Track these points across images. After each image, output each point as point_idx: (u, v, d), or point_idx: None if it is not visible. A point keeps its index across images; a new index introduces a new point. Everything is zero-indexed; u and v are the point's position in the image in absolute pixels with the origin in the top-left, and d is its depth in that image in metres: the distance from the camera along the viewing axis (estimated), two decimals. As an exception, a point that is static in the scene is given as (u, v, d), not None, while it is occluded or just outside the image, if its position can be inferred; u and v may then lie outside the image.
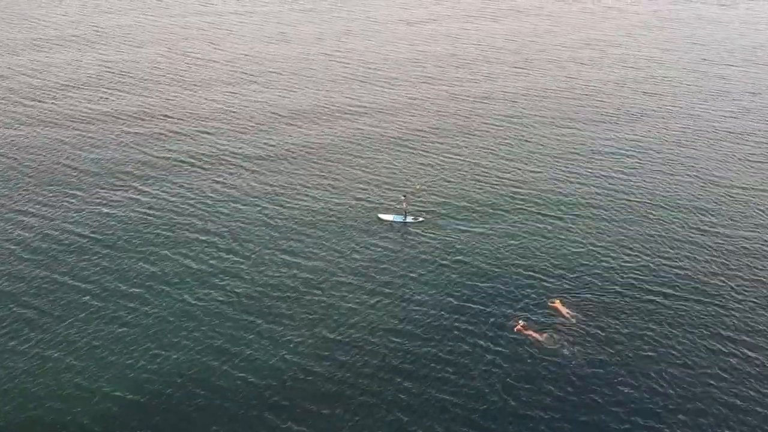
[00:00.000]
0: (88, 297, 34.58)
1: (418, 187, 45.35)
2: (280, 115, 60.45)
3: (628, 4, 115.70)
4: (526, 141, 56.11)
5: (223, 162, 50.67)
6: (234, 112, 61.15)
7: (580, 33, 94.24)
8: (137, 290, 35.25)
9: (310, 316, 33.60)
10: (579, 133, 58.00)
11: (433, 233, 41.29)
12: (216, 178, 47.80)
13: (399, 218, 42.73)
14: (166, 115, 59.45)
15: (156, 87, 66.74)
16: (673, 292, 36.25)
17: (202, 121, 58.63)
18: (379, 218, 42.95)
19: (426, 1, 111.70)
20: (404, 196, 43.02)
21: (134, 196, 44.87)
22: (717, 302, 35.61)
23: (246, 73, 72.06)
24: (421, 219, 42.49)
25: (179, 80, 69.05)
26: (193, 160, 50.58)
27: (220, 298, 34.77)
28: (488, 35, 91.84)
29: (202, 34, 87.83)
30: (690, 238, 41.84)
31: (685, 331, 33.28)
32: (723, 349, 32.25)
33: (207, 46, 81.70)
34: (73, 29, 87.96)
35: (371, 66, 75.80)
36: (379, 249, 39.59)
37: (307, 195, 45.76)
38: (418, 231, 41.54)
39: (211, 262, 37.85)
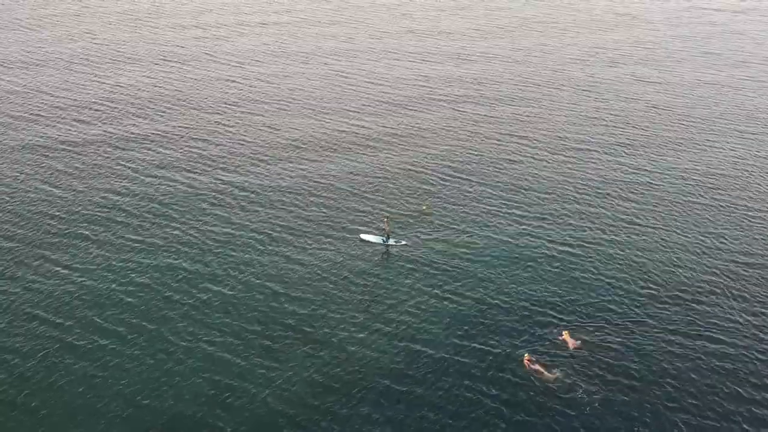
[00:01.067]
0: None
1: (425, 208, 43.14)
2: (274, 146, 58.67)
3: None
4: (526, 162, 53.61)
5: (205, 193, 48.95)
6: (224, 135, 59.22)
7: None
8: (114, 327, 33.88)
9: (296, 353, 32.54)
10: (584, 156, 55.10)
11: (420, 258, 40.23)
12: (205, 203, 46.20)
13: (381, 240, 41.78)
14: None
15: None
16: (690, 327, 34.69)
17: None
18: (361, 239, 42.00)
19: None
20: (386, 217, 41.97)
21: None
22: (740, 342, 33.75)
23: (231, 95, 69.82)
24: (404, 242, 41.52)
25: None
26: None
27: (202, 333, 33.56)
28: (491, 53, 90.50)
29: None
30: (709, 267, 40.01)
31: (703, 371, 31.85)
32: (744, 394, 30.80)
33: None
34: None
35: (380, 86, 74.00)
36: (365, 275, 38.60)
37: (290, 210, 44.55)
38: (404, 255, 40.57)
39: (194, 292, 36.57)
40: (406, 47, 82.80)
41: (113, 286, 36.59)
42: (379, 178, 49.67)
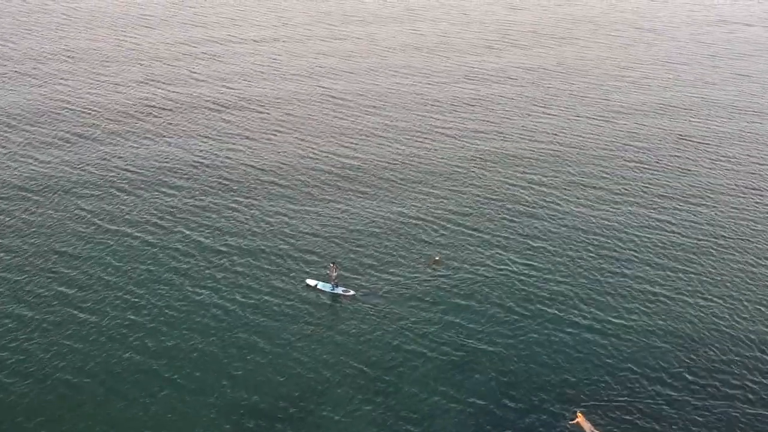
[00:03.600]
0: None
1: (437, 259, 37.44)
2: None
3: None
4: (529, 209, 48.47)
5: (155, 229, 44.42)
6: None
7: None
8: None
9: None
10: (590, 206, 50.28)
11: (372, 314, 34.99)
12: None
13: (327, 287, 36.68)
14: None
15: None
16: (716, 413, 29.43)
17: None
18: (307, 285, 37.01)
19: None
20: (333, 262, 36.83)
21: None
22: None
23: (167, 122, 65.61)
24: (352, 292, 36.27)
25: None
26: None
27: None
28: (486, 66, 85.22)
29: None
30: (741, 336, 34.28)
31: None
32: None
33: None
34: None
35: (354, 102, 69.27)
36: (308, 325, 33.59)
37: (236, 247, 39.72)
38: (354, 308, 35.38)
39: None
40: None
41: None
42: (331, 218, 44.58)
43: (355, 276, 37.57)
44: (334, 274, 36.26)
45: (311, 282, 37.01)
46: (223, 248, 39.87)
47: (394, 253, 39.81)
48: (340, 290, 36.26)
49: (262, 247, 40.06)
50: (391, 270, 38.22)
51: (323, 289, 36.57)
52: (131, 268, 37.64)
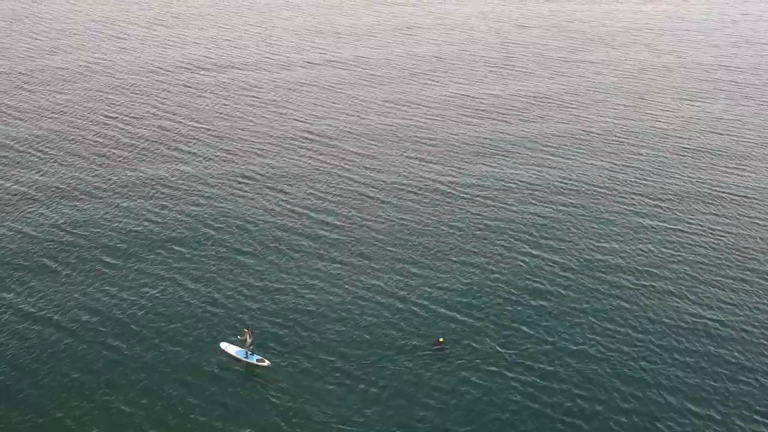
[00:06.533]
0: None
1: (441, 341, 33.23)
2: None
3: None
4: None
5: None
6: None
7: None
8: None
9: None
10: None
11: (289, 387, 31.07)
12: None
13: (241, 354, 32.78)
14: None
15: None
16: None
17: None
18: (222, 350, 33.11)
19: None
20: (247, 327, 32.82)
21: None
22: None
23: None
24: (266, 363, 32.29)
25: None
26: None
27: None
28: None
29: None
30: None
31: None
32: None
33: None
34: None
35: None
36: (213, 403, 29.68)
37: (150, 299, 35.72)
38: (269, 379, 31.50)
39: None
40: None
41: None
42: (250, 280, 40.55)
43: (272, 343, 33.58)
44: (249, 340, 32.33)
45: (225, 347, 33.12)
46: (144, 301, 35.94)
47: (317, 319, 35.61)
48: (254, 359, 32.35)
49: (174, 309, 36.04)
50: (314, 339, 34.14)
51: (237, 356, 32.67)
52: None
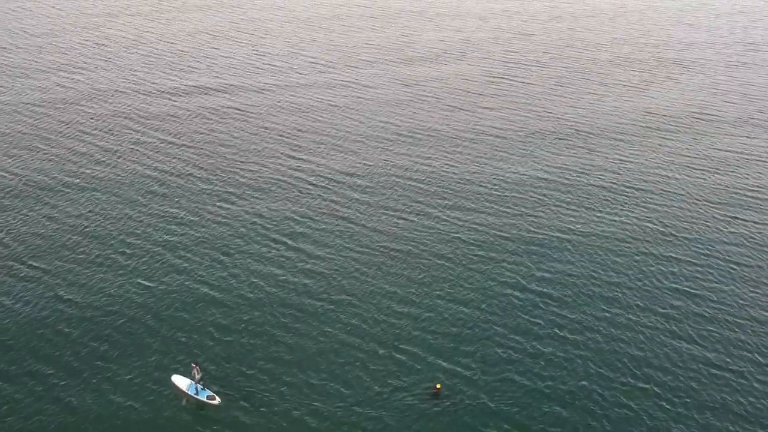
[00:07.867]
0: None
1: (438, 386, 30.66)
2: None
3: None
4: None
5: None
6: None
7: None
8: None
9: None
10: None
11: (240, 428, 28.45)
12: None
13: (192, 389, 30.38)
14: None
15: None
16: None
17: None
18: (173, 383, 30.75)
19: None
20: (195, 363, 30.35)
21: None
22: None
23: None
24: (216, 401, 29.72)
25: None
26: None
27: None
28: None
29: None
30: None
31: None
32: None
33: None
34: None
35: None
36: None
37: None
38: (219, 418, 28.90)
39: None
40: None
41: None
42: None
43: (224, 380, 30.96)
44: (198, 375, 29.87)
45: (177, 380, 30.76)
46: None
47: (270, 354, 32.84)
48: (205, 395, 29.86)
49: (126, 337, 33.80)
50: (269, 375, 31.37)
51: (187, 391, 30.25)
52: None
